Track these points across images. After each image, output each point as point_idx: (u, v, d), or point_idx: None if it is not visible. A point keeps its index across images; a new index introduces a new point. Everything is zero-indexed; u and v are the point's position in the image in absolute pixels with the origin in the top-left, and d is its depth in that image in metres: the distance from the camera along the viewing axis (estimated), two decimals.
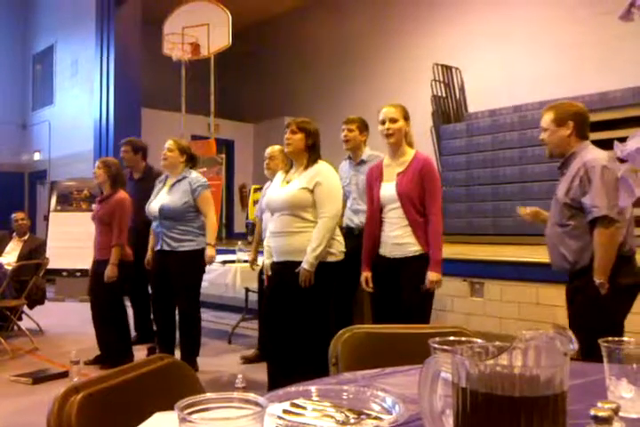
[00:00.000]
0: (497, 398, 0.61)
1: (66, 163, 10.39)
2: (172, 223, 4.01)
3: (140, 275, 4.49)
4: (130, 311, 4.79)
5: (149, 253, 4.24)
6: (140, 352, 4.41)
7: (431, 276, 2.98)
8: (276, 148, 4.34)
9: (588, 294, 2.46)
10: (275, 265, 3.26)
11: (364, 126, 4.00)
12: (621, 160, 0.77)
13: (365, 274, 3.21)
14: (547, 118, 2.64)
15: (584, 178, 2.47)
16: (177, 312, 4.17)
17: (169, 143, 4.14)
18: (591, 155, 2.52)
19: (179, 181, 4.09)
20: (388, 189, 3.12)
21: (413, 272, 3.01)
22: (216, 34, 8.28)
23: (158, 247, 4.07)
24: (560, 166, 2.69)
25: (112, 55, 9.46)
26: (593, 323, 2.42)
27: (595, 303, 2.45)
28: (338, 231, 3.24)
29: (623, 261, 2.46)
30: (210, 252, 4.01)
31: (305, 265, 3.05)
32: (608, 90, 7.15)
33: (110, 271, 4.12)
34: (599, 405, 0.74)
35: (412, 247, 3.04)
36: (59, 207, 8.40)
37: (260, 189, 6.77)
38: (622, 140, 0.78)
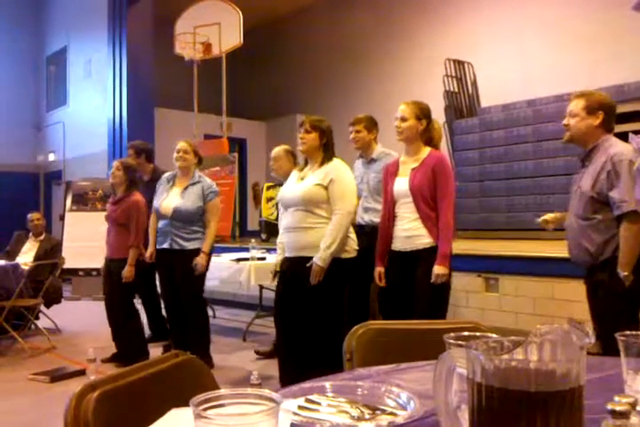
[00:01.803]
0: (512, 392, 0.61)
1: (80, 163, 10.47)
2: (184, 224, 4.08)
3: (149, 274, 4.53)
4: (141, 309, 4.83)
5: (151, 249, 4.25)
6: (155, 350, 4.44)
7: (437, 269, 2.98)
8: (281, 148, 4.33)
9: (611, 287, 2.47)
10: (287, 261, 3.27)
11: (371, 125, 3.97)
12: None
13: (379, 269, 3.23)
14: (577, 104, 2.59)
15: (611, 172, 2.44)
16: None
17: (183, 145, 4.18)
18: (617, 148, 2.48)
19: (193, 184, 4.14)
20: (401, 184, 3.14)
21: (426, 265, 3.02)
22: (227, 33, 8.30)
23: (165, 246, 4.10)
24: (583, 158, 2.66)
25: (124, 56, 9.51)
26: (616, 315, 2.44)
27: (619, 296, 2.46)
28: (351, 228, 3.24)
29: None
30: (201, 260, 4.05)
31: (318, 261, 3.05)
32: (623, 82, 7.07)
33: (128, 272, 4.18)
34: (616, 399, 0.74)
35: (423, 240, 3.05)
36: (74, 207, 8.47)
37: (274, 186, 6.83)
38: (638, 132, 0.77)
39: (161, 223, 4.18)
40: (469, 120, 8.79)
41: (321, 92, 11.39)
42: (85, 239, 7.37)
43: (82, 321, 6.10)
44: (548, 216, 2.86)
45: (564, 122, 2.68)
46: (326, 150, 3.21)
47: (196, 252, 4.08)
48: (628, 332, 1.03)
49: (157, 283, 4.46)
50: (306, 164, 3.30)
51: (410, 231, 3.09)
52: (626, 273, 2.41)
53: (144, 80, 9.40)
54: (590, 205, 2.53)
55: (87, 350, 3.69)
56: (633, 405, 0.73)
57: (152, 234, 4.28)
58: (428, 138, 3.19)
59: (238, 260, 4.99)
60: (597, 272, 2.55)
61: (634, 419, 0.73)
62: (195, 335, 4.14)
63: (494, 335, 0.91)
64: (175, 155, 4.18)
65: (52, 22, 11.78)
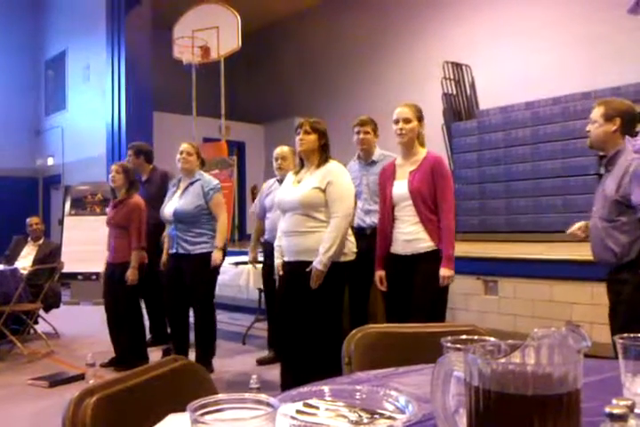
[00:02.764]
0: (510, 396, 0.61)
1: (79, 167, 10.47)
2: (187, 226, 4.05)
3: (153, 277, 4.51)
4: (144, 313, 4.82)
5: (165, 256, 4.25)
6: (154, 354, 4.44)
7: (443, 272, 2.99)
8: (286, 148, 4.36)
9: (637, 285, 2.54)
10: (286, 265, 3.26)
11: (376, 127, 4.02)
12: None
13: (379, 273, 3.23)
14: (597, 112, 2.73)
15: (633, 175, 2.52)
16: (191, 314, 4.19)
17: (187, 147, 4.17)
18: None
19: (191, 183, 4.13)
20: (400, 187, 3.14)
21: (426, 269, 3.02)
22: (226, 36, 8.31)
23: (173, 251, 4.09)
24: (606, 163, 2.75)
25: (123, 60, 9.52)
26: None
27: None
28: (350, 231, 3.24)
29: None
30: (217, 255, 4.04)
31: (318, 265, 3.04)
32: (620, 84, 7.08)
33: (132, 275, 4.17)
34: (614, 402, 0.74)
35: (424, 243, 3.05)
36: (73, 211, 8.45)
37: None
38: (635, 134, 0.78)
39: (168, 228, 4.19)
40: (468, 122, 8.81)
41: (319, 96, 11.40)
42: (84, 244, 7.36)
43: (81, 326, 6.08)
44: (577, 227, 2.89)
45: (587, 129, 2.80)
46: (323, 152, 3.21)
47: (204, 257, 4.02)
48: (625, 335, 1.04)
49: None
50: (301, 166, 3.29)
51: (411, 235, 3.09)
52: None
53: (142, 84, 9.41)
54: (614, 208, 2.60)
55: (86, 355, 3.67)
56: (631, 408, 0.73)
57: (166, 241, 4.25)
58: (422, 141, 3.21)
59: (237, 263, 4.99)
60: (623, 272, 2.62)
61: (632, 422, 0.73)
62: (202, 341, 4.12)
63: (492, 339, 0.91)
64: (178, 156, 4.15)
65: (51, 27, 11.79)
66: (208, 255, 4.03)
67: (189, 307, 4.16)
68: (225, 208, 4.27)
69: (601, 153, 2.82)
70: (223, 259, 4.14)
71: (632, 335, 1.03)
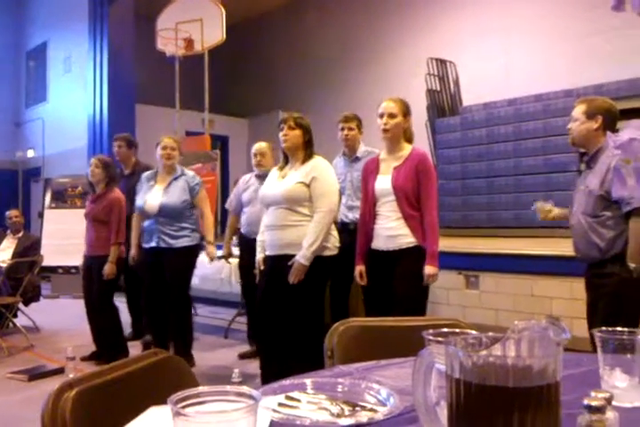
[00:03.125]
0: (490, 388, 0.61)
1: (60, 160, 10.35)
2: (170, 220, 4.04)
3: (134, 272, 4.49)
4: (124, 308, 4.79)
5: (134, 250, 4.23)
6: (135, 348, 4.41)
7: (428, 269, 2.98)
8: (264, 144, 4.39)
9: (623, 277, 2.58)
10: (268, 259, 3.25)
11: (360, 123, 4.03)
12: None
13: (359, 267, 3.22)
14: (579, 110, 2.76)
15: None
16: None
17: (170, 142, 4.14)
18: None
19: (175, 178, 4.10)
20: (383, 183, 3.11)
21: (408, 264, 3.01)
22: (210, 29, 8.23)
23: (153, 244, 4.06)
24: (588, 160, 2.77)
25: (105, 51, 9.41)
26: (629, 303, 2.59)
27: (630, 286, 2.58)
28: (333, 226, 3.24)
29: None
30: (212, 249, 4.15)
31: (301, 259, 3.04)
32: (603, 82, 7.15)
33: (109, 269, 4.14)
34: (592, 394, 0.75)
35: (406, 239, 3.04)
36: (53, 204, 8.38)
37: None
38: (618, 131, 0.79)
39: (147, 222, 4.13)
40: (451, 119, 8.84)
41: (303, 90, 11.36)
42: (64, 237, 7.30)
43: (61, 319, 6.03)
44: (547, 206, 2.95)
45: (568, 126, 2.83)
46: (308, 148, 3.20)
47: (185, 250, 4.04)
48: (604, 328, 1.05)
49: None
50: (286, 162, 3.28)
51: (393, 230, 3.07)
52: (634, 265, 2.54)
53: (125, 76, 9.31)
54: (599, 203, 2.64)
55: (66, 349, 3.66)
56: (608, 400, 0.75)
57: (135, 236, 4.23)
58: (408, 136, 3.18)
59: (220, 257, 4.97)
60: (607, 265, 2.66)
61: (609, 414, 0.74)
62: (179, 334, 4.12)
63: (473, 332, 0.91)
64: (161, 152, 4.10)
65: (32, 17, 11.61)
66: (189, 248, 4.07)
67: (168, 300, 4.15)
68: (208, 202, 4.28)
69: (582, 150, 2.83)
70: (194, 262, 4.21)
71: (610, 329, 1.05)
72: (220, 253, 4.83)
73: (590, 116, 2.70)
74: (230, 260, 4.88)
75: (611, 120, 2.72)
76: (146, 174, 4.28)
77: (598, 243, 2.65)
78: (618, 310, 2.57)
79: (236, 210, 4.57)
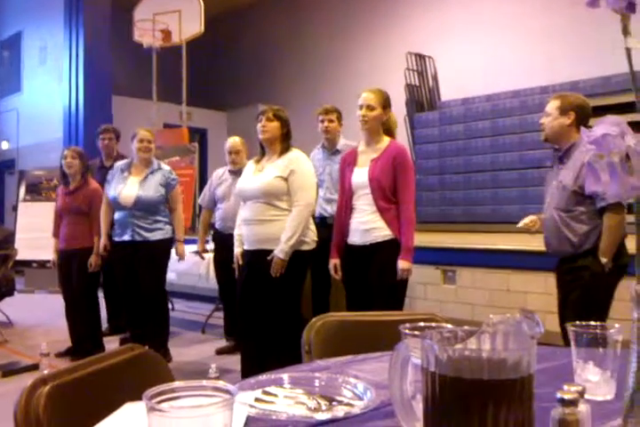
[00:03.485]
0: (465, 381, 0.62)
1: (34, 152, 10.17)
2: (145, 214, 4.00)
3: (111, 265, 4.44)
4: (102, 303, 4.74)
5: (105, 241, 4.16)
6: (112, 344, 4.37)
7: (402, 264, 2.98)
8: (238, 140, 4.38)
9: (595, 271, 2.62)
10: (247, 254, 3.24)
11: (340, 116, 4.03)
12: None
13: (334, 261, 3.21)
14: (552, 105, 2.78)
15: None
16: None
17: (146, 135, 4.09)
18: None
19: (152, 172, 4.06)
20: (360, 175, 3.10)
21: (384, 258, 3.01)
22: (188, 21, 8.15)
23: (126, 238, 4.01)
24: (561, 156, 2.79)
25: (81, 42, 9.25)
26: (599, 297, 2.64)
27: (600, 280, 2.62)
28: (311, 220, 3.24)
29: (621, 244, 2.66)
30: (182, 248, 4.17)
31: (280, 254, 3.03)
32: (579, 79, 7.24)
33: (95, 261, 4.15)
34: (565, 388, 0.76)
35: (381, 232, 3.03)
36: (28, 197, 8.23)
37: None
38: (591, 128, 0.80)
39: (119, 214, 4.06)
40: (430, 113, 8.88)
41: (282, 83, 11.33)
42: (39, 230, 7.16)
43: (35, 314, 5.95)
44: (529, 220, 2.91)
45: (540, 121, 2.84)
46: (286, 140, 3.19)
47: (159, 243, 4.03)
48: (577, 322, 1.07)
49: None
50: (262, 155, 3.26)
51: (368, 224, 3.05)
52: (606, 260, 2.58)
53: (101, 67, 9.18)
54: (572, 198, 2.67)
55: (40, 345, 3.61)
56: (581, 393, 0.76)
57: (105, 226, 4.17)
58: (388, 129, 3.17)
59: (197, 252, 4.94)
60: (579, 259, 2.69)
61: (582, 407, 0.75)
62: (154, 328, 4.08)
63: (449, 326, 0.92)
64: (139, 144, 4.05)
65: (6, 6, 11.36)
66: (163, 242, 4.06)
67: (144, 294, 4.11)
68: (181, 201, 4.29)
69: (556, 146, 2.85)
70: (168, 256, 4.19)
71: (584, 323, 1.06)
72: (194, 248, 4.82)
73: (563, 111, 2.72)
74: (205, 255, 4.85)
75: (584, 116, 2.74)
76: (119, 164, 4.20)
77: (571, 238, 2.67)
78: (589, 304, 2.60)
79: (209, 205, 4.56)
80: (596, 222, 2.63)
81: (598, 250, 2.61)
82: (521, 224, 2.93)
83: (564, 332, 2.28)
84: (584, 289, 2.66)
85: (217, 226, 4.45)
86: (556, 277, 2.86)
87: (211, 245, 4.76)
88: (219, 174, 4.53)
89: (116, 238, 4.07)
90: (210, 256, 4.87)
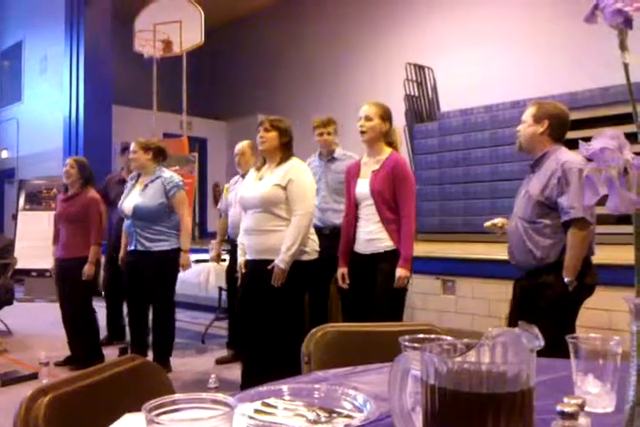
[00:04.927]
0: (465, 394, 0.62)
1: (34, 161, 10.20)
2: (146, 223, 3.97)
3: (116, 274, 4.45)
4: (102, 311, 4.73)
5: (122, 252, 4.20)
6: (111, 353, 4.36)
7: (399, 272, 3.00)
8: (245, 143, 4.39)
9: (557, 291, 2.51)
10: (249, 263, 3.25)
11: (336, 127, 4.06)
12: (589, 160, 0.79)
13: (342, 270, 3.23)
14: (528, 112, 2.69)
15: (561, 178, 2.50)
16: (150, 312, 4.13)
17: (132, 145, 4.11)
18: (568, 156, 2.55)
19: (152, 180, 4.05)
20: (362, 186, 3.15)
21: (386, 268, 3.03)
22: (188, 31, 8.20)
23: (132, 247, 4.02)
24: (532, 164, 2.72)
25: (82, 51, 9.31)
26: (561, 317, 2.51)
27: (563, 299, 2.52)
28: (312, 230, 3.24)
29: (586, 262, 2.55)
30: (186, 257, 4.03)
31: (280, 264, 3.03)
32: (577, 90, 7.27)
33: (89, 270, 4.13)
34: (565, 400, 0.76)
35: (384, 243, 3.06)
36: (27, 206, 8.25)
37: None
38: (589, 139, 0.80)
39: (125, 224, 4.10)
40: (429, 124, 8.91)
41: (282, 94, 11.37)
42: (39, 239, 7.18)
43: (35, 323, 5.93)
44: (498, 220, 2.86)
45: (516, 128, 2.77)
46: (285, 150, 3.19)
47: (162, 254, 3.95)
48: (577, 335, 1.07)
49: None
50: (263, 163, 3.27)
51: (371, 234, 3.10)
52: (571, 279, 2.48)
53: (102, 77, 9.22)
54: (537, 210, 2.58)
55: (40, 354, 3.60)
56: (581, 406, 0.76)
57: (124, 236, 4.19)
58: (390, 142, 3.20)
59: (198, 261, 4.94)
60: (543, 275, 2.59)
61: (582, 420, 0.75)
62: (159, 340, 4.07)
63: (449, 338, 0.92)
64: (129, 156, 4.14)
65: (7, 16, 11.44)
66: (168, 253, 3.98)
67: (149, 305, 4.10)
68: (188, 206, 4.23)
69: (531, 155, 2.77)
70: (177, 267, 4.09)
71: (584, 336, 1.06)
72: (195, 257, 4.82)
73: (537, 119, 2.62)
74: (220, 263, 4.84)
75: (559, 126, 2.63)
76: (131, 175, 4.26)
77: (534, 250, 2.58)
78: (560, 323, 2.48)
79: (226, 212, 4.57)
80: (560, 237, 2.53)
81: (562, 266, 2.51)
82: (488, 224, 2.86)
83: (548, 341, 2.26)
84: (548, 310, 2.53)
85: (228, 232, 4.45)
86: (514, 287, 2.78)
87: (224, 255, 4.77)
88: (234, 181, 4.55)
89: (128, 247, 4.09)
90: (209, 265, 4.86)
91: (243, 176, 4.32)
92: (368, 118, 3.10)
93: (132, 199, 4.02)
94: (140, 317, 4.08)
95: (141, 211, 3.95)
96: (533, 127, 2.64)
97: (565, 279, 2.48)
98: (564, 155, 2.57)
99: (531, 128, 2.65)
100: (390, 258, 3.04)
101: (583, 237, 2.47)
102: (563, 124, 2.66)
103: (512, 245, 2.73)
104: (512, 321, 2.72)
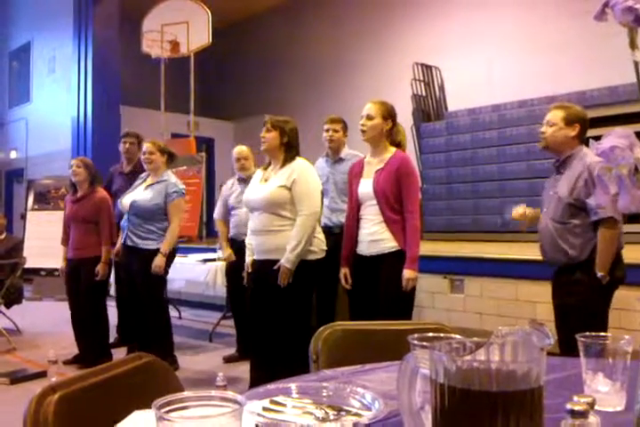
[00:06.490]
0: (474, 393, 0.61)
1: (43, 161, 10.25)
2: (139, 221, 4.00)
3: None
4: (113, 311, 4.75)
5: (118, 245, 4.20)
6: (120, 355, 4.37)
7: (407, 273, 2.96)
8: (245, 148, 4.41)
9: (592, 285, 2.62)
10: (256, 263, 3.25)
11: (346, 126, 4.05)
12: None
13: (344, 270, 3.20)
14: (557, 115, 2.76)
15: (588, 180, 2.59)
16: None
17: (148, 147, 4.10)
18: (593, 158, 2.60)
19: (158, 182, 4.07)
20: (365, 186, 3.10)
21: (390, 269, 2.99)
22: (196, 32, 8.22)
23: (122, 241, 4.08)
24: (558, 166, 2.79)
25: (90, 52, 9.34)
26: (596, 311, 2.64)
27: (598, 293, 2.64)
28: (319, 229, 3.24)
29: (617, 257, 2.66)
30: (159, 261, 3.92)
31: (286, 263, 3.03)
32: (586, 89, 7.24)
33: (102, 270, 4.16)
34: (575, 399, 0.75)
35: (388, 244, 3.02)
36: (36, 206, 8.29)
37: None
38: (599, 138, 0.80)
39: (123, 219, 4.14)
40: (436, 124, 8.89)
41: (288, 93, 11.38)
42: (47, 239, 7.20)
43: (43, 322, 5.97)
44: (523, 211, 2.91)
45: (542, 130, 2.82)
46: (288, 150, 3.17)
47: (149, 253, 3.95)
48: (587, 333, 1.06)
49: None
50: (269, 163, 3.28)
51: (374, 235, 3.05)
52: (603, 274, 2.58)
53: (110, 77, 9.26)
54: (567, 210, 2.67)
55: (48, 352, 3.62)
56: (591, 404, 0.75)
57: (120, 232, 4.23)
58: (395, 141, 3.17)
59: (205, 260, 4.95)
60: (576, 271, 2.69)
61: (592, 418, 0.75)
62: (156, 337, 4.07)
63: (458, 336, 0.92)
64: (142, 157, 4.12)
65: (16, 17, 11.50)
66: (154, 253, 3.95)
67: (139, 301, 4.11)
68: (180, 215, 4.17)
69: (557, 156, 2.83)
70: (168, 265, 4.06)
71: (594, 334, 1.06)
72: (202, 256, 4.83)
73: (569, 123, 2.72)
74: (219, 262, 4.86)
75: (585, 129, 2.76)
76: (142, 175, 4.27)
77: (567, 249, 2.68)
78: (587, 316, 2.60)
79: (225, 216, 4.56)
80: (590, 235, 2.63)
81: (594, 262, 2.61)
82: (515, 214, 2.93)
83: (560, 340, 2.30)
84: (581, 302, 2.65)
85: (231, 234, 4.46)
86: (552, 287, 2.86)
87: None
88: (228, 186, 4.57)
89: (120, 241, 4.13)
90: (218, 264, 4.88)
91: (242, 180, 4.34)
92: (370, 117, 3.08)
93: (132, 196, 4.07)
94: (136, 313, 4.09)
95: (137, 208, 3.98)
96: (565, 130, 2.73)
97: (598, 274, 2.58)
98: (590, 157, 2.64)
99: (562, 131, 2.73)
100: (394, 258, 2.99)
101: (613, 235, 2.59)
102: (587, 127, 2.78)
103: (544, 244, 2.82)
104: (559, 321, 2.79)
